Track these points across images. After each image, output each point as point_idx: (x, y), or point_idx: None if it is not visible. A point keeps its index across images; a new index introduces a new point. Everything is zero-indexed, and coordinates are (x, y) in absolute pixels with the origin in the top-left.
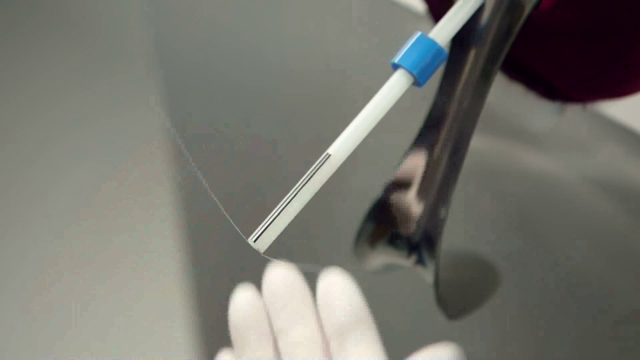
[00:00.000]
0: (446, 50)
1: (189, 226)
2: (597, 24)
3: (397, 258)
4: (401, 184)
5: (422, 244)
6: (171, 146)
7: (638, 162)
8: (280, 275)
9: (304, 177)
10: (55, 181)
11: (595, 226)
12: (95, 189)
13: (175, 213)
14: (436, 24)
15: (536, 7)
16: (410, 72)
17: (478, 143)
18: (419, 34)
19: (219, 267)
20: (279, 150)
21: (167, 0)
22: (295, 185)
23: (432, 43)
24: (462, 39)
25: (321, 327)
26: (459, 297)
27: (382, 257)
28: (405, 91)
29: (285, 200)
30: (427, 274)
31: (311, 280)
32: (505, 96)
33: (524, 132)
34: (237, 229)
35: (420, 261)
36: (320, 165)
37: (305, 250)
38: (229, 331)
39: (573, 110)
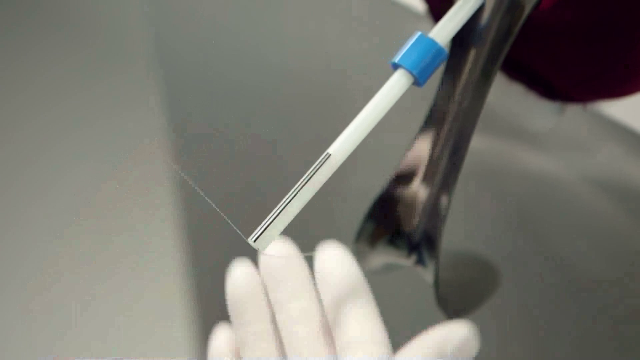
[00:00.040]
0: (446, 50)
1: (189, 226)
2: (597, 24)
3: (397, 258)
4: (402, 181)
5: (422, 243)
6: (171, 146)
7: (638, 162)
8: (277, 250)
9: (304, 177)
10: (55, 181)
11: (595, 226)
12: (95, 189)
13: (175, 213)
14: (436, 23)
15: (536, 7)
16: (411, 72)
17: (478, 143)
18: (419, 33)
19: (219, 267)
20: (279, 150)
21: (167, 0)
22: (295, 185)
23: (432, 43)
24: (462, 39)
25: (319, 301)
26: (459, 297)
27: (382, 257)
28: (405, 91)
29: (285, 200)
30: (427, 274)
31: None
32: (505, 96)
33: (524, 132)
34: (237, 229)
35: (420, 261)
36: (320, 165)
37: (305, 250)
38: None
39: (573, 110)
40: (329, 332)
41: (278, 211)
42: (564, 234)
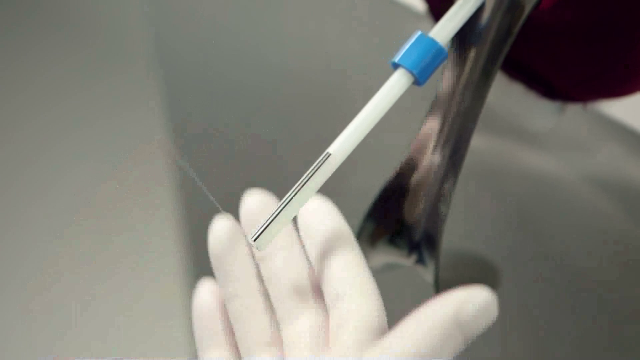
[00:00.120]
0: (446, 49)
1: (189, 226)
2: (597, 24)
3: (397, 257)
4: (403, 175)
5: (422, 243)
6: (171, 146)
7: (638, 162)
8: (256, 201)
9: (303, 177)
10: (55, 181)
11: (595, 226)
12: (95, 189)
13: (175, 213)
14: (436, 23)
15: (536, 7)
16: (411, 72)
17: (478, 143)
18: (419, 33)
19: None
20: (279, 150)
21: (167, 0)
22: (295, 185)
23: (433, 42)
24: (463, 38)
25: (305, 254)
26: None
27: (382, 257)
28: (405, 91)
29: (285, 200)
30: (427, 274)
31: None
32: (506, 96)
33: (524, 131)
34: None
35: (420, 260)
36: (320, 165)
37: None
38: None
39: (573, 110)
40: (317, 286)
41: (278, 211)
42: (564, 234)
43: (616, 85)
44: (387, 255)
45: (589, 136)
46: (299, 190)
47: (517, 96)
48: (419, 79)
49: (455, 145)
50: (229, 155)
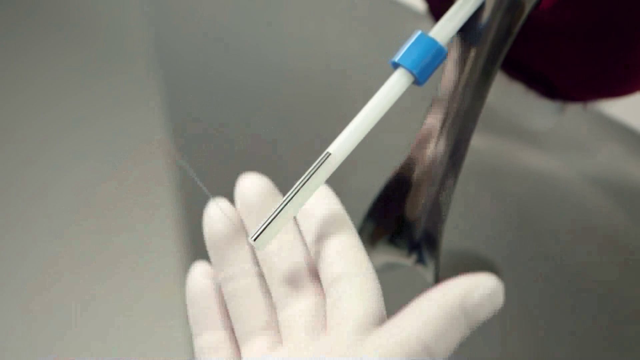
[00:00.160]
0: (446, 49)
1: (189, 226)
2: (597, 24)
3: (397, 257)
4: (404, 174)
5: (422, 243)
6: (171, 146)
7: (638, 162)
8: (251, 183)
9: (304, 176)
10: (55, 181)
11: (595, 226)
12: (95, 189)
13: (175, 213)
14: (436, 23)
15: (536, 6)
16: (411, 71)
17: (478, 142)
18: (419, 33)
19: None
20: (279, 150)
21: (167, 0)
22: (295, 184)
23: (433, 42)
24: (463, 38)
25: (301, 236)
26: None
27: (382, 256)
28: (405, 91)
29: (285, 200)
30: (427, 273)
31: None
32: (506, 96)
33: (524, 131)
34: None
35: (420, 260)
36: (320, 164)
37: None
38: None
39: (573, 110)
40: (313, 269)
41: (278, 210)
42: (564, 234)
43: (616, 85)
44: (387, 255)
45: (589, 136)
46: (299, 189)
47: (517, 96)
48: (419, 78)
49: (455, 145)
50: (229, 155)
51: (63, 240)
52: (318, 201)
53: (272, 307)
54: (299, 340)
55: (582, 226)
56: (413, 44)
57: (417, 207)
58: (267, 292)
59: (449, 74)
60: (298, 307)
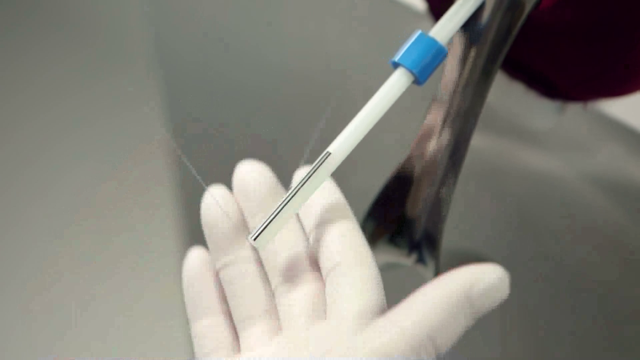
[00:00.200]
0: (446, 49)
1: (189, 226)
2: (597, 24)
3: (397, 257)
4: (404, 173)
5: (422, 242)
6: (171, 146)
7: (638, 162)
8: (249, 170)
9: (304, 176)
10: (55, 181)
11: (595, 226)
12: (95, 189)
13: (176, 213)
14: (436, 23)
15: (536, 6)
16: (411, 71)
17: (478, 142)
18: (419, 32)
19: None
20: (279, 150)
21: (167, 0)
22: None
23: (433, 42)
24: (463, 38)
25: (300, 226)
26: None
27: (382, 256)
28: (405, 91)
29: (285, 199)
30: (427, 273)
31: None
32: (506, 95)
33: (524, 131)
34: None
35: (420, 260)
36: (320, 164)
37: None
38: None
39: (573, 110)
40: (312, 257)
41: (278, 210)
42: (564, 234)
43: (616, 85)
44: (387, 255)
45: (589, 136)
46: (299, 189)
47: (517, 96)
48: (419, 78)
49: (456, 145)
50: (229, 155)
51: (63, 240)
52: (320, 192)
53: (271, 293)
54: (299, 326)
55: (582, 226)
56: (413, 43)
57: (417, 204)
58: (265, 279)
59: (449, 73)
60: (297, 294)
